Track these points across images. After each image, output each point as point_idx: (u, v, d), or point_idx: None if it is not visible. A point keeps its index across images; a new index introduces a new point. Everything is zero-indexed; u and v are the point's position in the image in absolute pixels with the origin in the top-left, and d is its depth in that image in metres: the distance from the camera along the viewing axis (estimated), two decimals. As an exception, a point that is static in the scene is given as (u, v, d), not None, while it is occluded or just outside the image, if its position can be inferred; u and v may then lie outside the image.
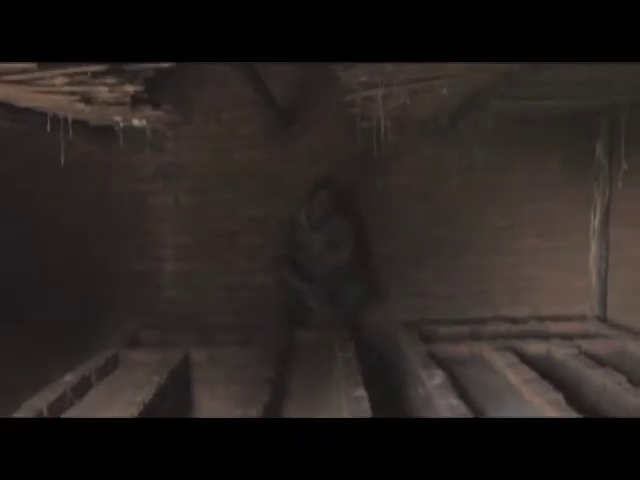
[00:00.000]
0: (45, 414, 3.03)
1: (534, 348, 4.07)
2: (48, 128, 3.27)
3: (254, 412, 2.95)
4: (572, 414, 2.85)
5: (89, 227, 4.83)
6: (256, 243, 4.85)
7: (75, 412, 3.28)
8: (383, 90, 3.10)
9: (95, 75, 2.68)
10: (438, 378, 3.43)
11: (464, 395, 3.26)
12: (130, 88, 2.81)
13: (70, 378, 3.51)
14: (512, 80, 2.70)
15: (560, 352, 3.96)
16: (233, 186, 4.83)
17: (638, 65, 2.79)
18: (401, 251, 4.88)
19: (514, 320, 4.76)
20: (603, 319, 4.82)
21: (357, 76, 3.18)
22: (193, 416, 4.12)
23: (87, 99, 2.86)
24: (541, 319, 4.76)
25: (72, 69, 2.63)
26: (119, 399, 3.35)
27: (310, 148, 4.79)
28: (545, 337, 4.29)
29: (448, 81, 3.04)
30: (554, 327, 4.62)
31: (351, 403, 3.06)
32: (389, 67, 2.94)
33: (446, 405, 3.03)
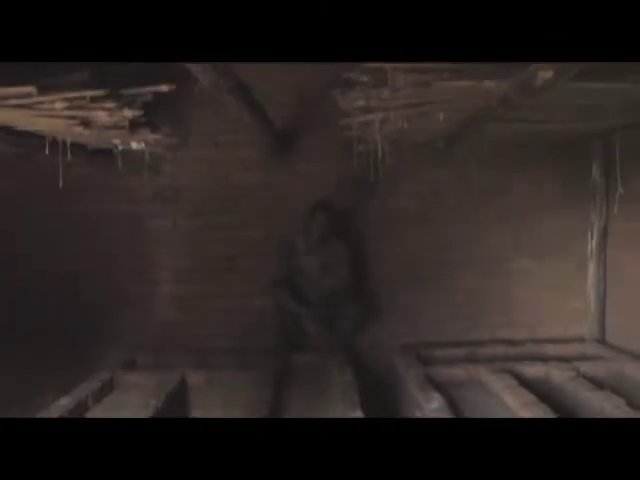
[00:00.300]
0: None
1: (532, 371, 4.06)
2: (47, 151, 3.29)
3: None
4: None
5: (87, 249, 4.83)
6: (254, 266, 4.85)
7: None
8: (380, 115, 3.13)
9: (94, 100, 2.71)
10: (435, 401, 3.42)
11: (462, 418, 3.24)
12: (129, 113, 2.83)
13: (66, 401, 3.49)
14: (508, 105, 2.73)
15: (558, 375, 3.95)
16: (231, 209, 4.85)
17: (629, 88, 2.85)
18: (398, 273, 4.89)
19: (511, 342, 4.75)
20: (601, 341, 4.82)
21: (354, 101, 3.22)
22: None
23: (86, 123, 2.89)
24: (539, 341, 4.76)
25: (72, 94, 2.66)
26: (115, 423, 3.32)
27: (308, 171, 4.82)
28: (543, 359, 4.28)
29: (444, 106, 3.07)
30: (552, 349, 4.62)
31: (348, 426, 3.04)
32: (385, 92, 2.97)
33: (444, 428, 3.02)
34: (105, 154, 4.10)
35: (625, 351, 4.42)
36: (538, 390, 3.60)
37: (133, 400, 3.76)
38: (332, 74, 3.32)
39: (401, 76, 2.89)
